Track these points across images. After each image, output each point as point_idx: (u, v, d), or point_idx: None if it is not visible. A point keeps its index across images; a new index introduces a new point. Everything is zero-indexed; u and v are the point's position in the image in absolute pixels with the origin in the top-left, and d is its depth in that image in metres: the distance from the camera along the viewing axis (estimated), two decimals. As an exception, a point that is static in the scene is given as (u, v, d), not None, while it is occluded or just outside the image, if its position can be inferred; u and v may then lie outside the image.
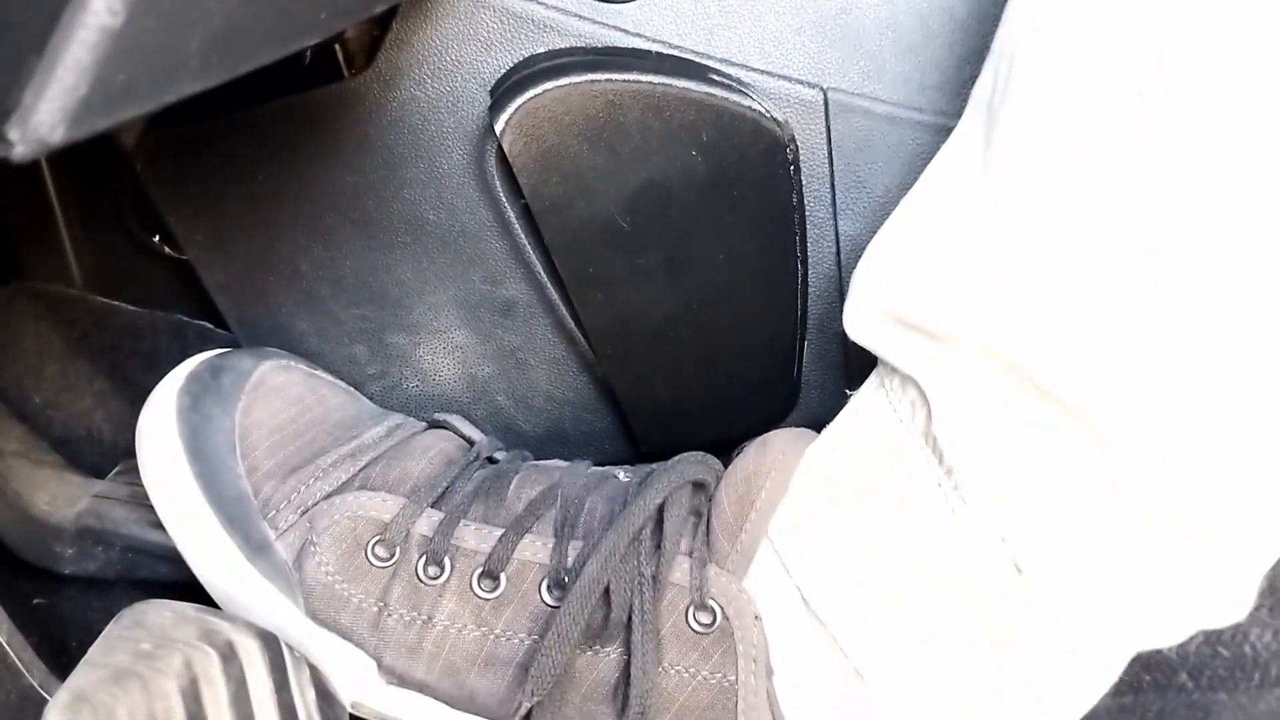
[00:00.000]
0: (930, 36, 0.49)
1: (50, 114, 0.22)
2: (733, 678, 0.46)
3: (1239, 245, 0.36)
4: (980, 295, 0.40)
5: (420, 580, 0.49)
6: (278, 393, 0.52)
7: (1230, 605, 0.42)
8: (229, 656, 0.41)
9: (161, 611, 0.41)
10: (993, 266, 0.40)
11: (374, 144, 0.53)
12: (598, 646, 0.47)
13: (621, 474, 0.52)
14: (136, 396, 0.61)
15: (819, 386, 0.56)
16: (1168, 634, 0.43)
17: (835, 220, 0.52)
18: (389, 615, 0.49)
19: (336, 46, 0.52)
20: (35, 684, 0.41)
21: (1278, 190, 0.35)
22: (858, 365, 0.49)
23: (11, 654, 0.41)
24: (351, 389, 0.57)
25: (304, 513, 0.50)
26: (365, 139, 0.53)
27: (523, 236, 0.53)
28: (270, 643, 0.42)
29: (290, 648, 0.44)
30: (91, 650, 0.39)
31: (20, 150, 0.22)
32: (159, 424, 0.51)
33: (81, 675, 0.38)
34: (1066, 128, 0.38)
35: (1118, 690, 0.59)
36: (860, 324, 0.46)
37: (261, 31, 0.28)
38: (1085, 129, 0.37)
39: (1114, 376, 0.38)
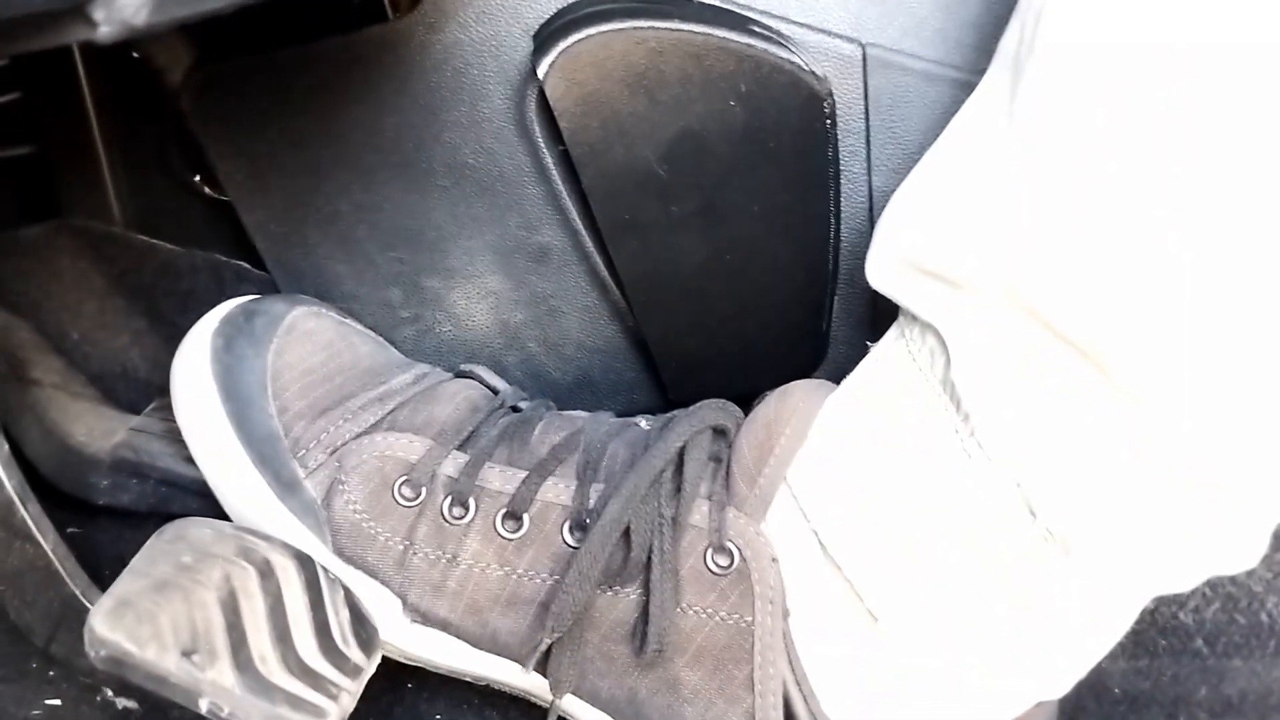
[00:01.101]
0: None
1: (135, -4, 0.22)
2: (749, 619, 0.47)
3: (1267, 197, 0.36)
4: (1003, 242, 0.40)
5: (445, 520, 0.49)
6: (309, 337, 0.53)
7: (1243, 556, 0.43)
8: (266, 573, 0.41)
9: (202, 528, 0.42)
10: (1016, 214, 0.40)
11: (416, 87, 0.54)
12: (617, 586, 0.48)
13: (644, 422, 0.53)
14: (172, 334, 0.62)
15: (846, 341, 0.57)
16: (1179, 582, 0.44)
17: (869, 175, 0.53)
18: (414, 554, 0.50)
19: (383, -12, 0.53)
20: (77, 592, 0.42)
21: None
22: (884, 320, 0.50)
23: (56, 562, 0.42)
24: (380, 338, 0.58)
25: (333, 452, 0.51)
26: (408, 82, 0.54)
27: (560, 183, 0.54)
28: (305, 562, 0.43)
29: (325, 568, 0.44)
30: (134, 560, 0.40)
31: (105, 30, 0.23)
32: (194, 364, 0.52)
33: (125, 583, 0.39)
34: (1091, 76, 0.38)
35: (1133, 654, 0.60)
36: (882, 272, 0.46)
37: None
38: (1110, 77, 0.38)
39: (1136, 326, 0.38)
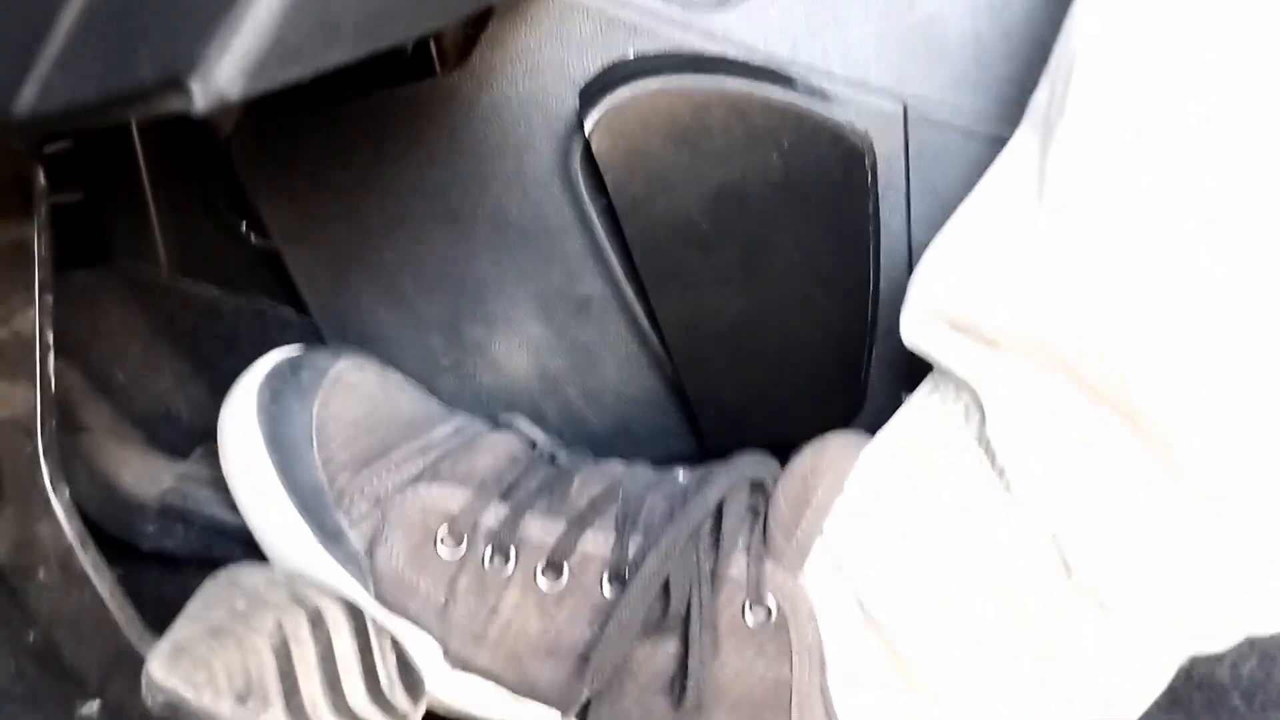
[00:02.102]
0: (1012, 52, 0.51)
1: (231, 69, 0.23)
2: (787, 672, 0.47)
3: None
4: (1034, 299, 0.41)
5: (486, 570, 0.50)
6: (353, 389, 0.55)
7: None
8: (317, 620, 0.42)
9: (255, 574, 0.43)
10: (1045, 270, 0.41)
11: (464, 140, 0.55)
12: (655, 639, 0.48)
13: (681, 474, 0.53)
14: (215, 379, 0.63)
15: (883, 393, 0.57)
16: (1217, 641, 0.44)
17: (909, 230, 0.54)
18: (455, 604, 0.50)
19: (431, 43, 0.54)
20: (132, 638, 0.43)
21: None
22: (920, 372, 0.50)
23: (112, 608, 0.43)
24: (421, 388, 0.59)
25: (376, 503, 0.52)
26: (455, 135, 0.55)
27: (603, 235, 0.55)
28: (354, 611, 0.44)
29: (373, 618, 0.45)
30: (189, 605, 0.41)
31: (200, 103, 0.23)
32: (241, 415, 0.53)
33: (180, 629, 0.39)
34: (1122, 135, 0.39)
35: (1169, 707, 0.60)
36: (916, 328, 0.47)
37: (404, 10, 0.30)
38: (1141, 136, 0.38)
39: (1170, 383, 0.38)
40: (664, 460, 0.56)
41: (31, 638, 0.43)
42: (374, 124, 0.56)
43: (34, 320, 0.41)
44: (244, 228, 0.63)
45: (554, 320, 0.58)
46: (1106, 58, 0.40)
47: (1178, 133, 0.37)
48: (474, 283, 0.58)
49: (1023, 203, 0.42)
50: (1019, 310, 0.41)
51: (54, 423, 0.42)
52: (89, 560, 0.43)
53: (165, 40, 0.22)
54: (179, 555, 0.59)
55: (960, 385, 0.45)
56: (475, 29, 0.53)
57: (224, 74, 0.24)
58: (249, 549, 0.55)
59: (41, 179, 0.41)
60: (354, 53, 0.28)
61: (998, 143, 0.51)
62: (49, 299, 0.41)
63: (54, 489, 0.42)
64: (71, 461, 0.56)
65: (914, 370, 0.55)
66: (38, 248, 0.40)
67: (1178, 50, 0.38)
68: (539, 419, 0.59)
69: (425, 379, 0.60)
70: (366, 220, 0.58)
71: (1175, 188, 0.37)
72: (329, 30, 0.26)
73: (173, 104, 0.24)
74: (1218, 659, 0.60)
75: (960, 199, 0.52)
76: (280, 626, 0.41)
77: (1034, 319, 0.41)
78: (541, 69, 0.53)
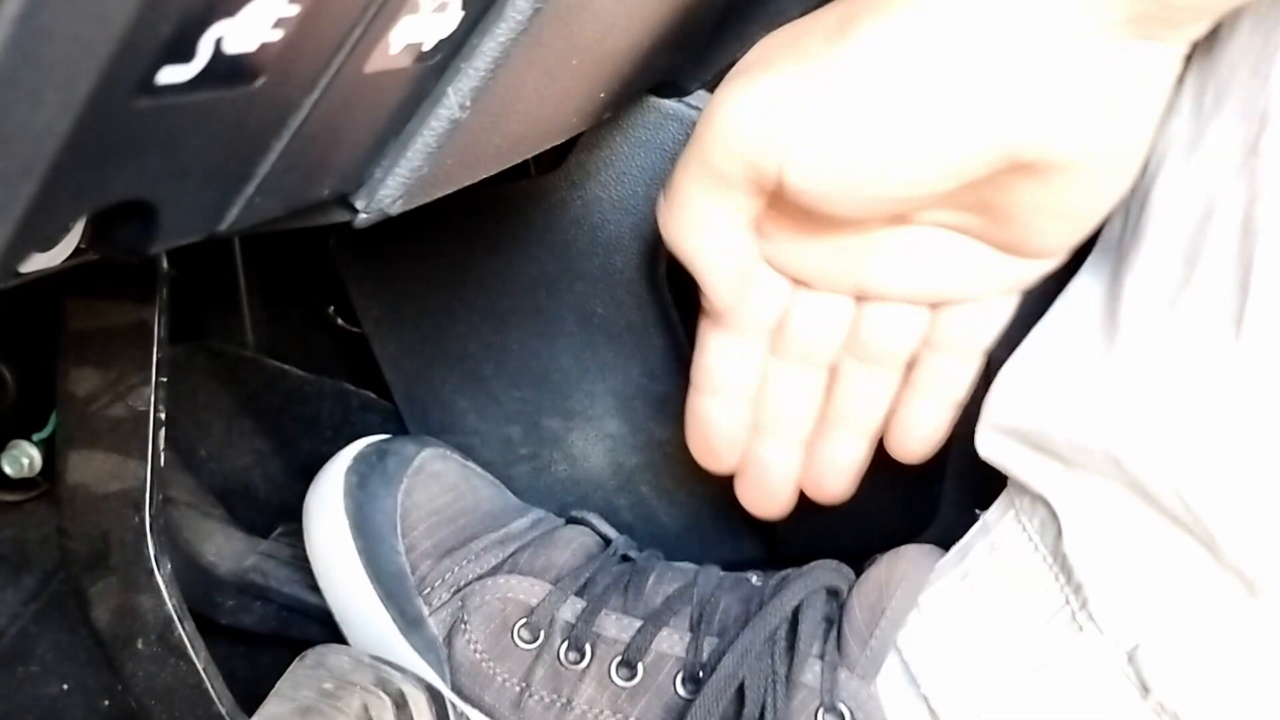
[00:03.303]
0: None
1: (394, 188, 0.25)
2: None
3: None
4: (1107, 420, 0.42)
5: (562, 664, 0.51)
6: (436, 479, 0.56)
7: None
8: (401, 704, 0.43)
9: (340, 656, 0.44)
10: (1120, 393, 0.42)
11: (554, 238, 0.57)
12: None
13: (754, 578, 0.54)
14: (295, 457, 0.64)
15: (957, 504, 0.58)
16: None
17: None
18: (530, 696, 0.51)
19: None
20: (224, 712, 0.44)
21: None
22: (995, 486, 0.51)
23: (207, 682, 0.44)
24: (498, 482, 0.60)
25: (456, 592, 0.53)
26: (546, 233, 0.57)
27: (684, 335, 0.56)
28: (436, 696, 0.45)
29: (453, 704, 0.46)
30: (280, 684, 0.42)
31: (363, 218, 0.25)
32: (328, 498, 0.55)
33: (271, 706, 0.40)
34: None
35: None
36: (992, 444, 0.48)
37: (540, 131, 0.31)
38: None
39: (1244, 509, 0.38)
40: (733, 564, 0.56)
41: (129, 705, 0.44)
42: (467, 218, 0.58)
43: (149, 398, 0.42)
44: (331, 312, 0.65)
45: (632, 417, 0.59)
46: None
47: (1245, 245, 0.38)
48: (556, 375, 0.59)
49: (1095, 326, 0.44)
50: (1095, 430, 0.42)
51: (160, 498, 0.44)
52: (187, 633, 0.44)
53: (344, 164, 0.24)
54: (256, 631, 0.60)
55: (1036, 500, 0.46)
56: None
57: (389, 193, 0.25)
58: (325, 628, 0.56)
59: (164, 263, 0.42)
60: (493, 170, 0.30)
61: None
62: (164, 379, 0.43)
63: (157, 562, 0.44)
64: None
65: (988, 484, 0.56)
66: (158, 329, 0.42)
67: None
68: (612, 514, 0.60)
69: (502, 468, 0.61)
70: (454, 310, 0.59)
71: (1244, 307, 0.38)
72: (479, 152, 0.28)
73: (338, 217, 0.25)
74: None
75: (1036, 313, 0.53)
76: (366, 708, 0.42)
77: (1109, 440, 0.42)
78: (633, 174, 0.55)
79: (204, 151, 0.18)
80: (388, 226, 0.59)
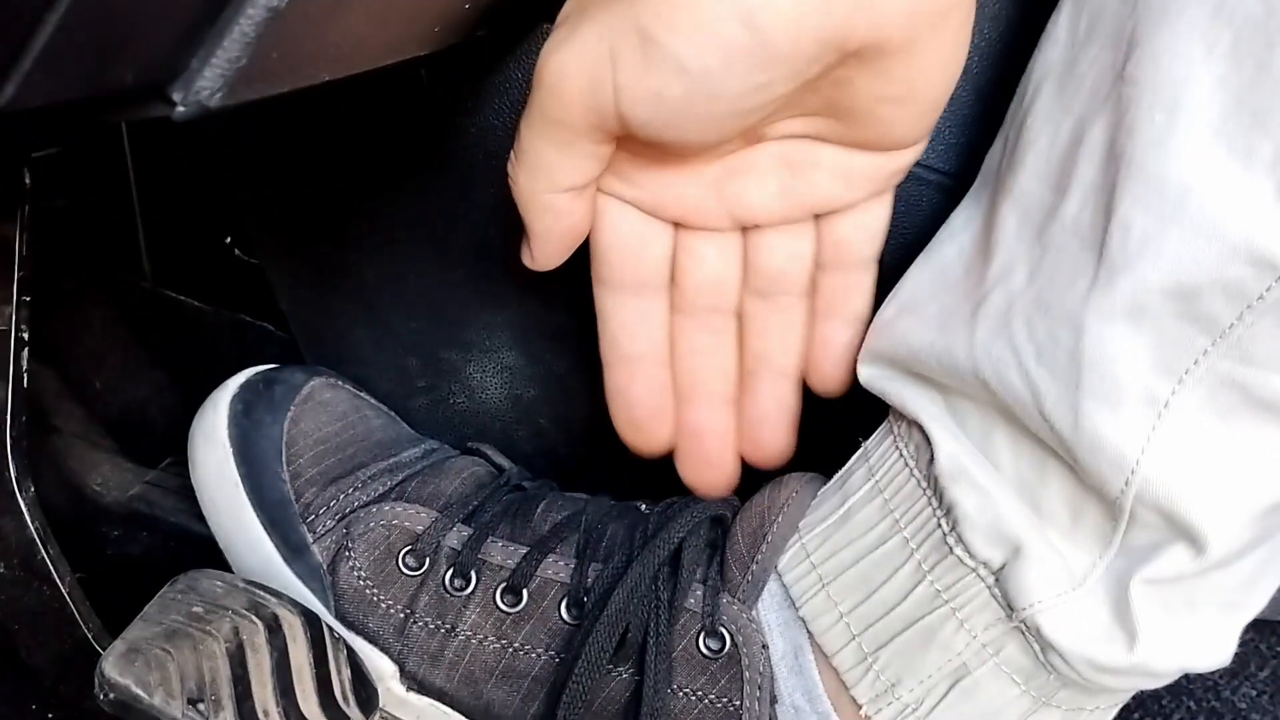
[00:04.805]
0: (985, 113, 0.52)
1: (212, 80, 0.24)
2: (738, 703, 0.48)
3: None
4: (978, 345, 0.42)
5: (446, 591, 0.51)
6: (325, 407, 0.55)
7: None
8: (274, 628, 0.43)
9: (213, 580, 0.43)
10: (990, 318, 0.42)
11: (450, 168, 0.56)
12: (610, 666, 0.49)
13: (643, 506, 0.54)
14: (192, 390, 0.63)
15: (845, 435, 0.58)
16: (1155, 679, 0.45)
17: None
18: (414, 622, 0.51)
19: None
20: (90, 636, 0.43)
21: None
22: (879, 417, 0.51)
23: (71, 605, 0.43)
24: (391, 414, 0.60)
25: (341, 519, 0.52)
26: (442, 161, 0.56)
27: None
28: (312, 620, 0.44)
29: (330, 628, 0.45)
30: (147, 608, 0.41)
31: (180, 111, 0.24)
32: (212, 426, 0.54)
33: (137, 630, 0.40)
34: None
35: None
36: (872, 371, 0.48)
37: (384, 38, 0.31)
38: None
39: (1099, 425, 0.39)
40: (630, 496, 0.56)
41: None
42: (362, 146, 0.57)
43: (9, 317, 0.41)
44: (228, 242, 0.64)
45: (529, 348, 0.59)
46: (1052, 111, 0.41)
47: None
48: (453, 307, 0.59)
49: (973, 253, 0.44)
50: (962, 356, 0.42)
51: (24, 419, 0.43)
52: (51, 557, 0.43)
53: (149, 48, 0.23)
54: (142, 562, 0.59)
55: (912, 425, 0.46)
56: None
57: (206, 85, 0.25)
58: (213, 558, 0.56)
59: (26, 178, 0.41)
60: (331, 75, 0.29)
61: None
62: (26, 298, 0.42)
63: (19, 484, 0.43)
64: (41, 462, 0.56)
65: (875, 415, 0.56)
66: (19, 246, 0.41)
67: None
68: (510, 445, 0.60)
69: (400, 400, 0.61)
70: (351, 241, 0.59)
71: None
72: (310, 50, 0.27)
73: (155, 110, 0.25)
74: (1165, 717, 0.61)
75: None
76: (237, 632, 0.41)
77: (975, 364, 0.42)
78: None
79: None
80: (277, 150, 0.59)
